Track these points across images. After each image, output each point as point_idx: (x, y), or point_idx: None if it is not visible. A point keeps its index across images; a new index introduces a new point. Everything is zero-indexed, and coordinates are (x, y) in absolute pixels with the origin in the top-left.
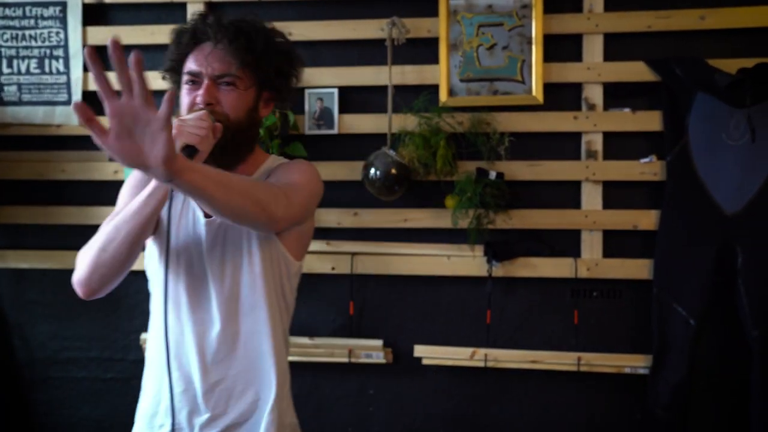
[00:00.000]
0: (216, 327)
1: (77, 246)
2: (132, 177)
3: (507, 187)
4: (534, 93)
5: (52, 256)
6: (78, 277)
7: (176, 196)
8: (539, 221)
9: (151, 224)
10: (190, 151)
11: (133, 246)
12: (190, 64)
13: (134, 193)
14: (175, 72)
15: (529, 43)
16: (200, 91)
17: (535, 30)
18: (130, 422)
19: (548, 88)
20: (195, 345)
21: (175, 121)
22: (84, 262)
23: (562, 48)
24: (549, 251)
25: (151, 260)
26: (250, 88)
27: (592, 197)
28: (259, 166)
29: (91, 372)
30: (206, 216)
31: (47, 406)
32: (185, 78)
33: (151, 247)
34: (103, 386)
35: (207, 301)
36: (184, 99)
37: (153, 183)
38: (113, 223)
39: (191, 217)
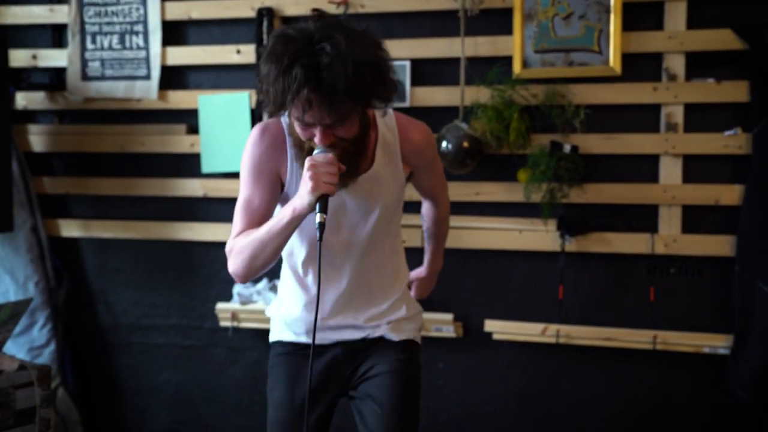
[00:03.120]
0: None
1: (157, 216)
2: (249, 160)
3: (582, 160)
4: (611, 64)
5: (133, 226)
6: (235, 273)
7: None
8: (615, 195)
9: (288, 238)
10: (326, 198)
11: (277, 252)
12: (297, 112)
13: (257, 175)
14: (277, 104)
15: (607, 11)
16: (317, 136)
17: None
18: (209, 388)
19: (626, 58)
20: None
21: (307, 164)
22: (238, 262)
23: (642, 16)
24: (625, 226)
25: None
26: (359, 112)
27: (671, 171)
28: (371, 140)
29: (170, 339)
30: None
31: (130, 370)
32: (297, 122)
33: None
34: (183, 353)
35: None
36: (299, 131)
37: (293, 211)
38: (259, 238)
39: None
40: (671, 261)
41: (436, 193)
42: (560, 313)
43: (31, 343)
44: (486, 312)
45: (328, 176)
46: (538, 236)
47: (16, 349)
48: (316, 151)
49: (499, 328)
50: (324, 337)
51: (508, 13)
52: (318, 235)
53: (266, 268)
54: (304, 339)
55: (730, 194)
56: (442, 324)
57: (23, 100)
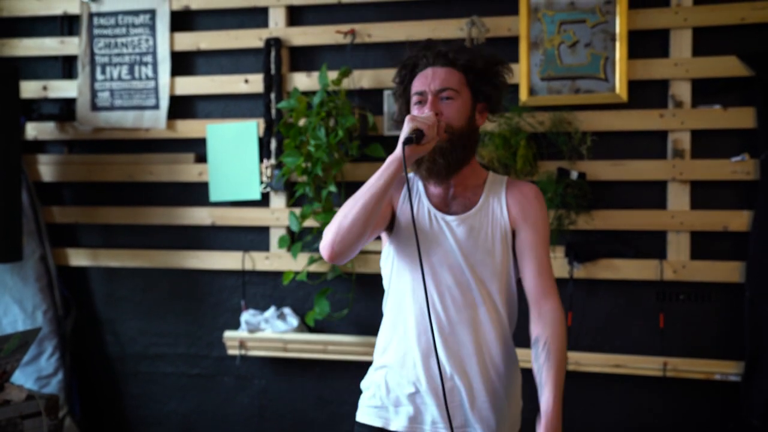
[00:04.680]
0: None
1: (164, 245)
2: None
3: (589, 187)
4: (617, 91)
5: (141, 254)
6: (324, 243)
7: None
8: (623, 222)
9: (384, 198)
10: (418, 134)
11: (369, 214)
12: (416, 86)
13: None
14: (403, 95)
15: (613, 39)
16: (426, 106)
17: (620, 26)
18: (216, 417)
19: (632, 85)
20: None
21: (408, 116)
22: (330, 229)
23: (648, 44)
24: (633, 253)
25: (399, 258)
26: (467, 99)
27: (678, 197)
28: (480, 180)
29: (178, 368)
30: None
31: (137, 399)
32: (414, 99)
33: (394, 251)
34: (189, 382)
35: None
36: (415, 113)
37: (386, 162)
38: (353, 196)
39: (426, 211)
40: (680, 287)
41: (537, 272)
42: (569, 340)
43: (39, 372)
44: None
45: (425, 119)
46: None
47: (24, 378)
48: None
49: None
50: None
51: (514, 41)
52: (402, 148)
53: (355, 233)
54: (402, 421)
55: (738, 220)
56: None
57: (33, 130)
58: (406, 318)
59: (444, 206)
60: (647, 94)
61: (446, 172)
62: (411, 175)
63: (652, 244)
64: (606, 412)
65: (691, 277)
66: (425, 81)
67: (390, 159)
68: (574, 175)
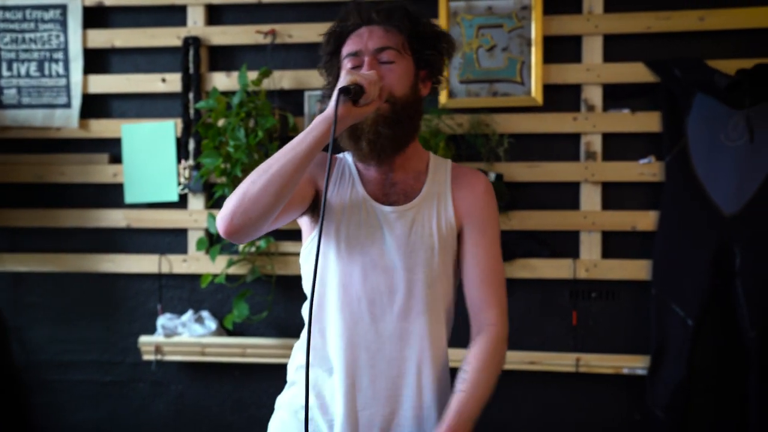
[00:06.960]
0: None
1: (76, 249)
2: None
3: (506, 188)
4: (533, 94)
5: (51, 259)
6: (223, 213)
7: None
8: (538, 222)
9: (306, 165)
10: (357, 89)
11: (285, 183)
12: (349, 47)
13: None
14: (331, 63)
15: (529, 44)
16: (364, 68)
17: (535, 31)
18: (130, 425)
19: (547, 89)
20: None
21: (345, 69)
22: (231, 198)
23: (562, 49)
24: (549, 252)
25: (311, 249)
26: (409, 64)
27: (591, 198)
28: (423, 164)
29: (89, 375)
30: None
31: (46, 409)
32: (345, 63)
33: (312, 237)
34: (102, 389)
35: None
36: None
37: (312, 123)
38: (267, 160)
39: (360, 200)
40: (592, 285)
41: (480, 281)
42: None
43: None
44: None
45: (366, 77)
46: None
47: None
48: None
49: None
50: None
51: None
52: (335, 103)
53: (263, 206)
54: None
55: (645, 220)
56: None
57: None
58: (326, 327)
59: (381, 195)
60: (561, 97)
61: (392, 146)
62: (341, 155)
63: (566, 244)
64: (521, 408)
65: (602, 276)
66: (360, 40)
67: (318, 119)
68: (491, 176)
